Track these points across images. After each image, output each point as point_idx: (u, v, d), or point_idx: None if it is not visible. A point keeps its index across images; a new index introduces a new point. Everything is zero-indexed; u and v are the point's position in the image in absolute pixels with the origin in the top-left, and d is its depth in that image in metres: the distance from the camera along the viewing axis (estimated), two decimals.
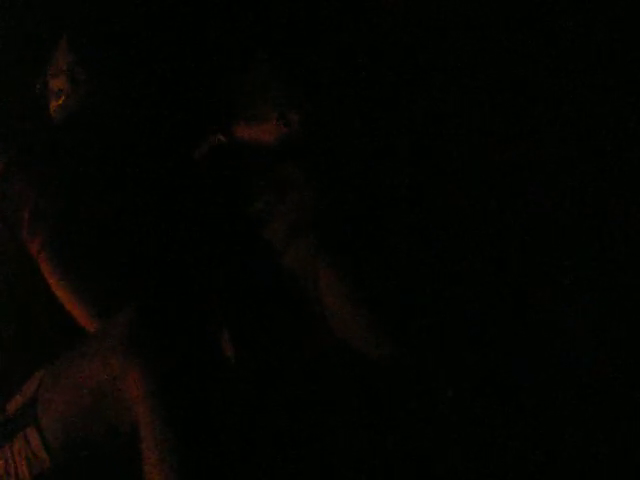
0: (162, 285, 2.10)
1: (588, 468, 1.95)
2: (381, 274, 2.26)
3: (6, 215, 2.23)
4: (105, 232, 2.20)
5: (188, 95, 2.79)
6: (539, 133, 2.61)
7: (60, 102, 2.44)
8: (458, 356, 2.13)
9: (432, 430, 2.05)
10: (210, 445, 1.71)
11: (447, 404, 2.04)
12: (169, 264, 2.18)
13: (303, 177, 2.44)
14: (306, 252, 2.25)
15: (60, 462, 1.82)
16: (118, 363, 1.73)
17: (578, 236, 2.44)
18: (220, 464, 1.72)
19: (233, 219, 2.46)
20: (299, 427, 2.09)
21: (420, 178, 2.61)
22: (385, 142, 2.66)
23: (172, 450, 1.67)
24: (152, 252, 2.21)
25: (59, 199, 2.22)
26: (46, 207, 2.19)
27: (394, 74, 2.73)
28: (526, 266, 2.39)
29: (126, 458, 1.74)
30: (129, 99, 2.52)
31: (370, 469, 2.03)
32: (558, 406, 2.06)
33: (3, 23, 2.71)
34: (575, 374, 2.12)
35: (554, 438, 2.01)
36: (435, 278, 2.36)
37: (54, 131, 2.43)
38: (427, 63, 2.73)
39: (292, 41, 2.69)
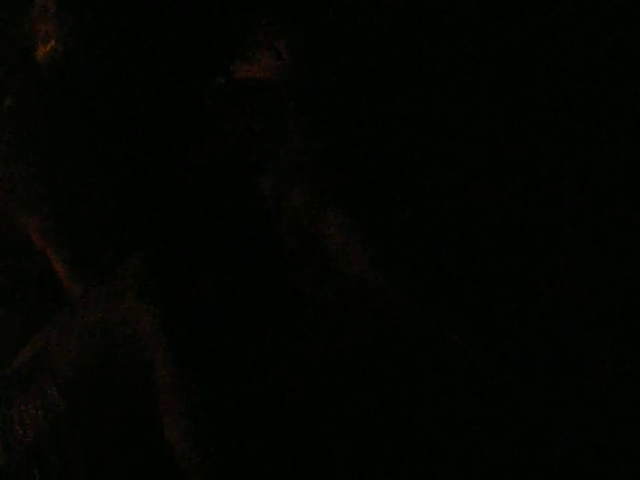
0: (171, 229, 2.12)
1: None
2: (387, 212, 2.28)
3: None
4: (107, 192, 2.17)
5: (187, 40, 2.75)
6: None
7: (48, 48, 2.25)
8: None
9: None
10: (225, 382, 1.76)
11: (453, 351, 2.05)
12: (175, 209, 2.19)
13: (305, 120, 2.45)
14: (311, 193, 2.27)
15: (75, 406, 1.84)
16: (130, 306, 1.78)
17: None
18: (234, 400, 1.76)
19: (235, 163, 2.47)
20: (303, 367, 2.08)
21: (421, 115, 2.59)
22: (383, 78, 2.64)
23: (188, 388, 1.71)
24: (160, 198, 2.20)
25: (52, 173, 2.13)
26: (41, 188, 2.12)
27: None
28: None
29: (140, 397, 1.78)
30: (125, 45, 2.41)
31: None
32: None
33: None
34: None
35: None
36: (441, 216, 2.37)
37: (44, 84, 2.24)
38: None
39: None
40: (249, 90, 2.62)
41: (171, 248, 1.94)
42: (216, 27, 2.72)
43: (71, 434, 1.80)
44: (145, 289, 1.79)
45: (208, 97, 2.65)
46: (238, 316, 1.95)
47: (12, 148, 2.15)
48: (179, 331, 1.75)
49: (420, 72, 2.63)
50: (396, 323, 2.14)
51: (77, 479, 1.78)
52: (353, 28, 2.69)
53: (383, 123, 2.56)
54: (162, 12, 2.77)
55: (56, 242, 2.08)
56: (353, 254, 2.22)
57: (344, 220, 2.24)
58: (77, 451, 1.78)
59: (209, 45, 2.79)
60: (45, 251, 2.12)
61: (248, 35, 2.62)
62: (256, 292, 2.12)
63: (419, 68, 2.64)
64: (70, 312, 1.93)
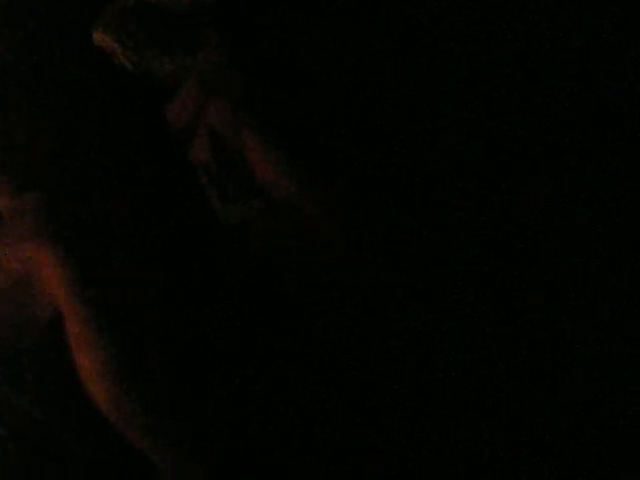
0: (72, 172, 2.03)
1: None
2: (302, 131, 2.21)
3: None
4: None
5: None
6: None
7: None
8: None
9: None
10: (133, 320, 1.73)
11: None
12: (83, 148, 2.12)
13: (218, 37, 2.36)
14: (225, 110, 2.21)
15: None
16: (30, 249, 1.73)
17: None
18: (142, 338, 1.73)
19: (144, 83, 2.36)
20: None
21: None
22: None
23: (98, 330, 1.68)
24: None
25: None
26: None
27: None
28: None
29: (48, 346, 1.74)
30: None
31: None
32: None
33: None
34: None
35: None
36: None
37: None
38: None
39: None
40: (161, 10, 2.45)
41: (73, 187, 1.90)
42: None
43: None
44: (44, 232, 1.74)
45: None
46: (146, 252, 1.91)
47: None
48: (83, 275, 1.71)
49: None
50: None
51: None
52: None
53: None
54: None
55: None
56: (271, 169, 2.15)
57: (258, 134, 2.16)
58: None
59: None
60: None
61: None
62: (170, 220, 2.05)
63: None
64: None
